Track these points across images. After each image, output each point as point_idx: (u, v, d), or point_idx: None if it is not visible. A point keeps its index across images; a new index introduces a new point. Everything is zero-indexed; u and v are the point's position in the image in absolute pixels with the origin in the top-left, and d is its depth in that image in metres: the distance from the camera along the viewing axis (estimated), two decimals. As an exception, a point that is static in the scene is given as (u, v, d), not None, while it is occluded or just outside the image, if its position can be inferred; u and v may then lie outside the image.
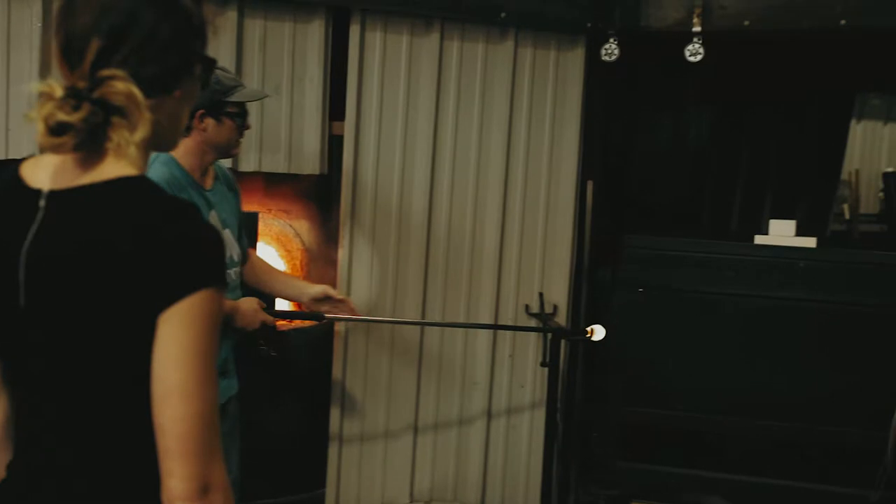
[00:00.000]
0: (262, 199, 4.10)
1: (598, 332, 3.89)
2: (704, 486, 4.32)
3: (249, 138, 3.77)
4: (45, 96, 1.32)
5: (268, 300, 3.28)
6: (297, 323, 3.99)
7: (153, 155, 2.22)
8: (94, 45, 1.36)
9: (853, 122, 6.38)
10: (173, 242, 1.33)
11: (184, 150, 2.72)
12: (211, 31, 1.56)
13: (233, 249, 2.92)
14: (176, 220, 1.36)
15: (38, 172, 1.41)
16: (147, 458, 1.37)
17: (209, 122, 2.77)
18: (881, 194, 6.60)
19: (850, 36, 4.13)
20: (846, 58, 4.70)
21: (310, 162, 3.89)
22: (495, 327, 4.09)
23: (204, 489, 1.34)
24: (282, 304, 3.81)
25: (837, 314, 4.01)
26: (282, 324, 3.90)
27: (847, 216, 6.24)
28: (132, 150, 1.35)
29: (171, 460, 1.34)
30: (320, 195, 4.20)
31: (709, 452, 4.56)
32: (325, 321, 3.19)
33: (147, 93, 1.37)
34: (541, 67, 4.15)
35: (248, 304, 2.92)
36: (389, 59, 3.95)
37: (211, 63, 1.58)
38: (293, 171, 3.87)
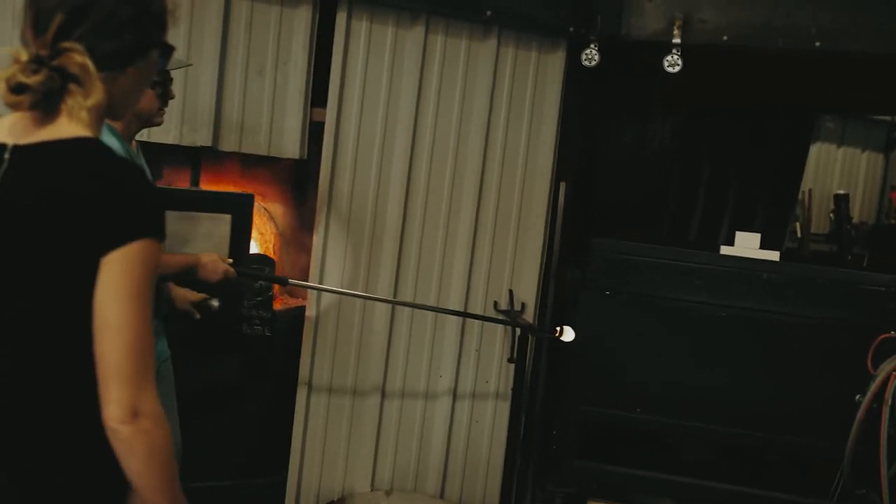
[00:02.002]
0: (238, 181, 4.08)
1: (568, 334, 3.96)
2: (659, 488, 4.41)
3: (230, 119, 3.77)
4: (12, 60, 1.54)
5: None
6: (278, 307, 4.00)
7: None
8: (58, 19, 1.55)
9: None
10: (119, 196, 1.53)
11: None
12: (171, 20, 1.74)
13: None
14: (123, 177, 1.56)
15: (2, 130, 1.61)
16: (94, 389, 1.54)
17: None
18: (831, 215, 6.79)
19: (817, 58, 4.26)
20: (810, 78, 4.83)
21: (290, 146, 3.89)
22: (466, 315, 4.12)
23: (134, 413, 1.52)
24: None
25: (797, 326, 4.12)
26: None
27: (799, 234, 6.41)
28: (84, 114, 1.56)
29: (106, 386, 1.52)
30: (297, 180, 4.19)
31: (665, 455, 4.65)
32: (288, 286, 3.19)
33: (101, 66, 1.57)
34: (521, 67, 4.20)
35: (209, 256, 2.98)
36: (374, 49, 3.97)
37: (168, 49, 1.78)
38: (273, 153, 3.86)
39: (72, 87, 1.55)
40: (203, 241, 3.79)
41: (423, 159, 4.09)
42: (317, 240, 3.94)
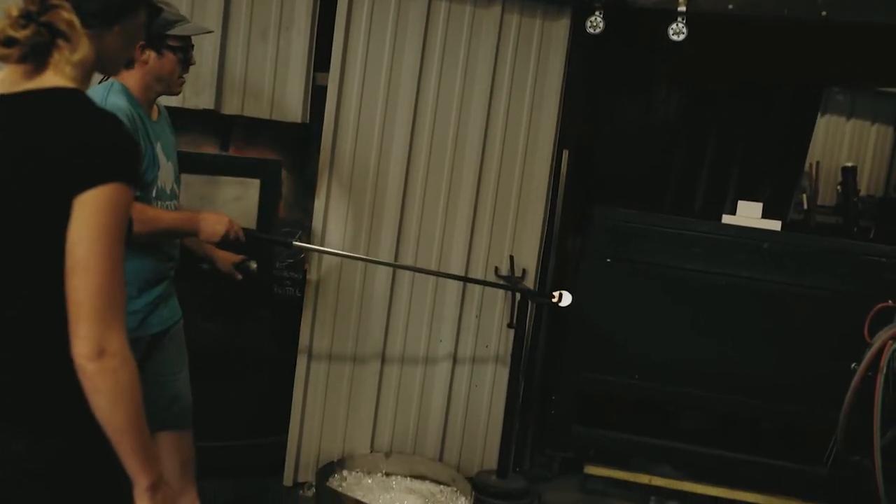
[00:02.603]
0: (240, 144, 4.10)
1: (565, 299, 3.99)
2: (656, 454, 4.46)
3: (233, 83, 3.79)
4: (4, 15, 1.62)
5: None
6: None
7: (108, 84, 2.76)
8: None
9: (818, 116, 6.54)
10: (92, 140, 1.61)
11: (132, 82, 2.81)
12: None
13: (168, 181, 2.95)
14: (96, 123, 1.65)
15: None
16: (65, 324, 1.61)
17: (150, 54, 2.82)
18: (839, 187, 6.76)
19: (824, 30, 4.24)
20: (817, 51, 4.81)
21: (292, 110, 3.91)
22: (466, 279, 4.14)
23: (100, 352, 1.58)
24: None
25: (797, 296, 4.14)
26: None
27: (805, 206, 6.39)
28: (69, 69, 1.65)
29: (75, 323, 1.58)
30: (298, 144, 4.21)
31: (663, 422, 4.70)
32: (292, 248, 3.24)
33: (87, 24, 1.67)
34: (525, 35, 4.19)
35: (210, 215, 2.98)
36: (377, 15, 3.96)
37: (156, 10, 1.89)
38: (275, 117, 3.88)
39: (59, 42, 1.64)
40: (232, 204, 3.87)
41: (425, 125, 4.10)
42: (318, 203, 3.97)
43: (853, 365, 3.66)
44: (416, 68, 4.04)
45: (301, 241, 3.52)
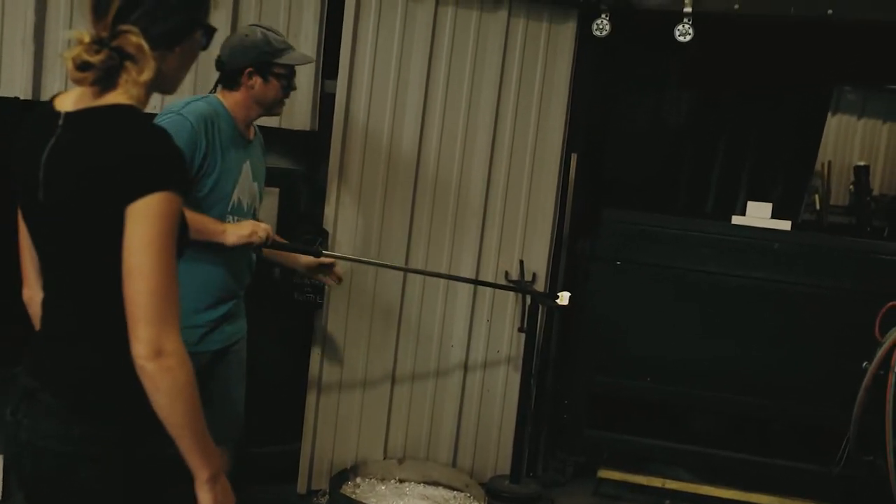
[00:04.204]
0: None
1: (563, 297, 3.97)
2: (669, 457, 4.44)
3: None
4: (76, 41, 1.74)
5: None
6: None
7: (203, 96, 3.01)
8: (116, 5, 1.76)
9: (829, 115, 6.50)
10: (141, 152, 1.72)
11: (232, 102, 3.02)
12: (213, 4, 1.97)
13: (245, 198, 3.05)
14: (148, 136, 1.76)
15: (65, 100, 1.85)
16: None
17: (257, 80, 3.01)
18: (851, 187, 6.72)
19: (832, 28, 4.23)
20: (826, 49, 4.80)
21: (300, 118, 3.93)
22: (476, 282, 4.14)
23: (157, 352, 1.68)
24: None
25: (808, 296, 4.13)
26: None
27: (818, 206, 6.35)
28: (135, 89, 1.78)
29: (133, 326, 1.69)
30: (308, 152, 4.22)
31: (675, 425, 4.68)
32: (319, 256, 3.30)
33: (153, 46, 1.77)
34: (532, 38, 4.20)
35: (240, 224, 3.00)
36: (384, 21, 3.99)
37: (210, 30, 1.95)
38: (284, 126, 3.90)
39: (128, 64, 1.76)
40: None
41: (433, 131, 4.11)
42: (328, 211, 3.98)
43: (864, 364, 3.64)
44: (423, 74, 4.06)
45: (322, 248, 3.55)
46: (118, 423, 1.80)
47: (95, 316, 1.80)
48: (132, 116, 1.78)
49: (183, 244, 1.81)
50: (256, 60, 2.99)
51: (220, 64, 3.06)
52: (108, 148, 1.73)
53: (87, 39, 1.74)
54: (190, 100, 2.93)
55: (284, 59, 3.03)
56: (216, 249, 2.93)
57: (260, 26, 3.09)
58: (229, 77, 3.04)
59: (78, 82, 1.77)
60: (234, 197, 2.98)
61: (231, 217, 2.98)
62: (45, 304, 1.91)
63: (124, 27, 1.75)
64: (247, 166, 3.03)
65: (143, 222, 1.68)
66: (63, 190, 1.76)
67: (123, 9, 1.76)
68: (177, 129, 2.76)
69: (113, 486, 1.81)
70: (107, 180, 1.70)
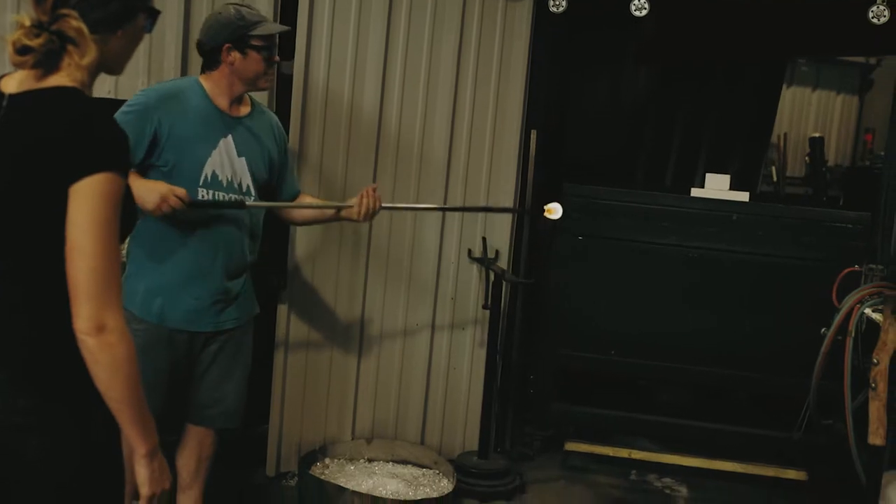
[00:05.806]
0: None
1: (557, 211, 3.81)
2: (634, 428, 4.50)
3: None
4: (18, 25, 1.79)
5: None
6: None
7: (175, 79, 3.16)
8: None
9: (784, 87, 6.59)
10: (84, 133, 1.76)
11: (213, 81, 3.05)
12: None
13: (224, 171, 3.04)
14: (90, 117, 1.79)
15: (9, 83, 1.89)
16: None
17: (235, 55, 3.02)
18: (807, 158, 6.84)
19: (785, 3, 4.27)
20: (780, 23, 4.84)
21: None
22: (461, 209, 4.23)
23: (98, 328, 1.73)
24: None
25: (767, 265, 4.19)
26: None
27: (774, 178, 6.45)
28: (78, 72, 1.82)
29: (74, 303, 1.74)
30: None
31: (640, 396, 4.74)
32: (246, 209, 3.16)
33: (93, 30, 1.81)
34: (489, 16, 4.19)
35: (147, 182, 2.90)
36: (340, 1, 3.96)
37: (154, 13, 2.01)
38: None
39: (69, 48, 1.80)
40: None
41: (392, 110, 4.11)
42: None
43: (823, 330, 3.71)
44: (381, 53, 4.05)
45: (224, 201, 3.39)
46: (65, 396, 1.83)
47: (38, 292, 1.83)
48: (75, 98, 1.82)
49: (127, 225, 1.85)
50: (232, 35, 3.00)
51: (199, 46, 3.08)
52: (51, 128, 1.77)
53: (27, 23, 1.78)
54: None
55: (259, 31, 3.03)
56: (202, 229, 2.99)
57: (233, 4, 3.09)
58: (210, 57, 3.06)
59: (18, 66, 1.81)
60: (206, 170, 2.99)
61: (205, 191, 3.00)
62: None
63: (63, 11, 1.79)
64: (227, 141, 3.04)
65: (86, 202, 1.72)
66: (7, 169, 1.79)
67: None
68: (124, 111, 2.86)
69: (67, 458, 1.83)
70: (50, 160, 1.74)
